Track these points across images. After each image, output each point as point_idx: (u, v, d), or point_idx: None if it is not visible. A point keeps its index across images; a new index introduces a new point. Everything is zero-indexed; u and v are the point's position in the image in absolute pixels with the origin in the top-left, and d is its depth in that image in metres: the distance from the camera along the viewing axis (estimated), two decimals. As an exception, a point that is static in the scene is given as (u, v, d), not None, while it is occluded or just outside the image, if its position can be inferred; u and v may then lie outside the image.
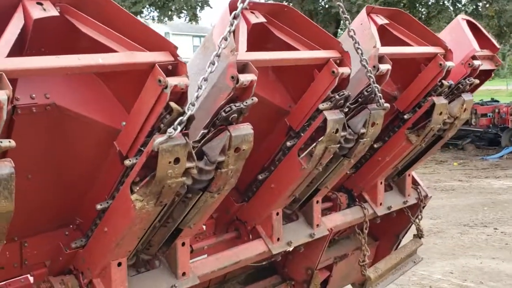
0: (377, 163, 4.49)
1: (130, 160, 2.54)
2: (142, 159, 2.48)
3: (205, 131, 2.74)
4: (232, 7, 2.76)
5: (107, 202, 2.68)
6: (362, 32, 3.62)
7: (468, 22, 4.68)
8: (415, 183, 5.19)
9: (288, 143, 3.46)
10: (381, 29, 3.92)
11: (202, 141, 2.71)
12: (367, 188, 4.64)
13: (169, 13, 23.14)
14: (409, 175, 5.00)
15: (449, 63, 4.06)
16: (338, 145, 3.43)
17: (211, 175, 2.76)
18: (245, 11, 3.10)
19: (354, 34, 3.25)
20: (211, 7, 23.67)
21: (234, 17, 2.51)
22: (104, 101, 2.64)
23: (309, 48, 3.24)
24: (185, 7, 23.01)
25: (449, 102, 4.35)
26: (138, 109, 2.48)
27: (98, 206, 2.68)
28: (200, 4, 23.23)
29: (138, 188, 2.52)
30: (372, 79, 3.36)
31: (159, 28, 50.56)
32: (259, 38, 3.18)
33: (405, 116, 4.28)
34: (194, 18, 23.56)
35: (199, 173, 2.71)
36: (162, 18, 23.38)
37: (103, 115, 2.62)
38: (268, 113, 3.48)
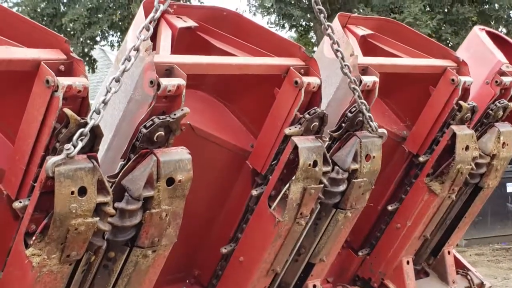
0: (397, 232, 4.52)
1: (20, 202, 2.64)
2: (35, 195, 2.57)
3: (124, 161, 2.86)
4: (148, 7, 3.02)
5: (-2, 272, 2.72)
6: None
7: (489, 32, 4.97)
8: (462, 267, 5.17)
9: (254, 192, 3.54)
10: (363, 43, 4.16)
11: (121, 173, 2.81)
12: (389, 272, 4.63)
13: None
14: (448, 252, 5.00)
15: (464, 78, 4.25)
16: (322, 186, 3.51)
17: (138, 219, 2.82)
18: (170, 17, 3.35)
19: (332, 32, 3.43)
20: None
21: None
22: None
23: (260, 56, 3.43)
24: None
25: (479, 136, 4.51)
26: (25, 128, 2.62)
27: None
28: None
29: (34, 238, 2.58)
30: (357, 92, 3.51)
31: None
32: (190, 47, 3.39)
33: (421, 159, 4.39)
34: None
35: (120, 218, 2.79)
36: (126, 44, 24.21)
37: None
38: (224, 160, 3.61)
